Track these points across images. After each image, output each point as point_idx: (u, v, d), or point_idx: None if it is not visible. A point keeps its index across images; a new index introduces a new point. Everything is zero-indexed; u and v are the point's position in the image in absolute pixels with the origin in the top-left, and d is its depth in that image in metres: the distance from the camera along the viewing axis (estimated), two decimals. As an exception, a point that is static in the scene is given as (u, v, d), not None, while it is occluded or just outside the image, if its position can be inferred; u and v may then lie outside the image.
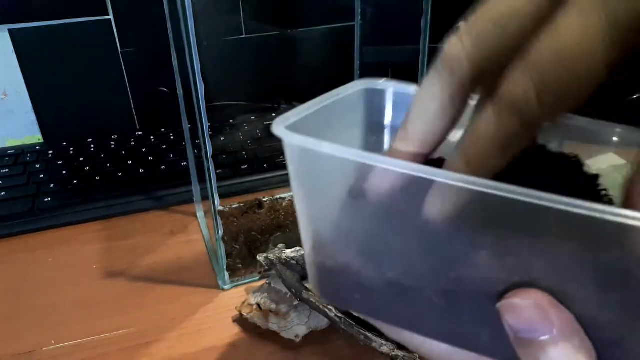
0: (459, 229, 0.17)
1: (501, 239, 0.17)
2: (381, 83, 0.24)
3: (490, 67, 0.17)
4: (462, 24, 0.17)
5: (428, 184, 0.17)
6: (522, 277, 0.17)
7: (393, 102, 0.24)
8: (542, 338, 0.17)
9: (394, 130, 0.25)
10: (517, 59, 0.16)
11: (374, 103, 0.24)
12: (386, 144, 0.25)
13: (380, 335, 0.37)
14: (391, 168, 0.17)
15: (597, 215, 0.14)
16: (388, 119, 0.25)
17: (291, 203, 0.53)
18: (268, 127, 0.67)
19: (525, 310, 0.17)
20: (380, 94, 0.24)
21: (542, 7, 0.16)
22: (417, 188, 0.17)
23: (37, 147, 0.64)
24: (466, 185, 0.16)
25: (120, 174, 0.59)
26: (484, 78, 0.17)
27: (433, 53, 0.20)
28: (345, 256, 0.21)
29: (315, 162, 0.20)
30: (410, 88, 0.24)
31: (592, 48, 0.15)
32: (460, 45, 0.17)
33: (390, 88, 0.24)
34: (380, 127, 0.25)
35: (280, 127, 0.19)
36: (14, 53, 0.63)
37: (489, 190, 0.15)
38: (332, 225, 0.21)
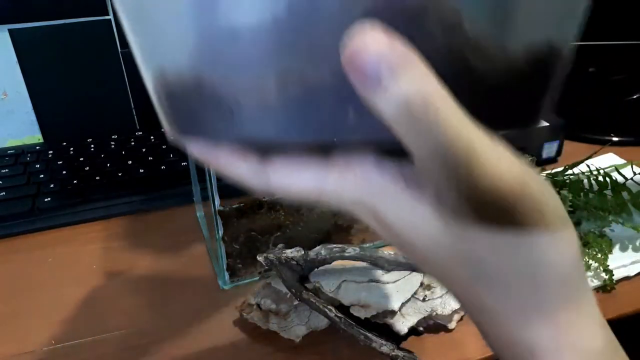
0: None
1: None
2: None
3: None
4: None
5: None
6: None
7: None
8: (388, 70, 0.16)
9: None
10: None
11: None
12: None
13: (380, 335, 0.37)
14: None
15: None
16: None
17: (291, 202, 0.53)
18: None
19: (369, 46, 0.16)
20: None
21: None
22: None
23: (37, 147, 0.64)
24: None
25: (120, 174, 0.59)
26: None
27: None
28: (196, 71, 0.19)
29: None
30: None
31: None
32: None
33: None
34: None
35: None
36: (14, 53, 0.63)
37: None
38: (176, 40, 0.19)
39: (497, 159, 0.17)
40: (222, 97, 0.19)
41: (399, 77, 0.16)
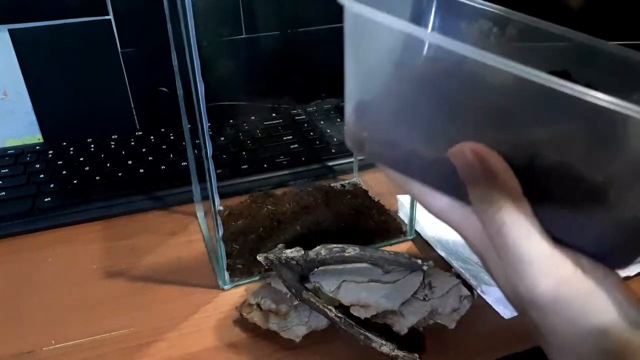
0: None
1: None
2: None
3: None
4: None
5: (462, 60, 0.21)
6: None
7: (437, 6, 0.30)
8: (479, 175, 0.22)
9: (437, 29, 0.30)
10: None
11: (422, 5, 0.30)
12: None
13: (380, 335, 0.37)
14: (435, 41, 0.21)
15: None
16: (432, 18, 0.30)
17: (291, 202, 0.53)
18: (268, 127, 0.67)
19: (466, 152, 0.22)
20: None
21: None
22: (452, 64, 0.22)
23: (37, 147, 0.64)
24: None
25: (120, 174, 0.59)
26: None
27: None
28: (380, 116, 0.26)
29: (368, 28, 0.24)
30: None
31: None
32: None
33: None
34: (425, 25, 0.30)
35: None
36: (14, 53, 0.63)
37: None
38: (374, 88, 0.26)
39: (538, 272, 0.22)
40: (390, 141, 0.26)
41: (488, 185, 0.22)
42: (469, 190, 0.24)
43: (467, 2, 0.28)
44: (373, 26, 0.23)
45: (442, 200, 0.27)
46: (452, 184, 0.24)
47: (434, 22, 0.30)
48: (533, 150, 0.22)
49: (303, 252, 0.39)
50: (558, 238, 0.23)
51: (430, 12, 0.29)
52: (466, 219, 0.26)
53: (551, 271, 0.22)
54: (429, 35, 0.23)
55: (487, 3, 0.28)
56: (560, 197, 0.22)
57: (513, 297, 0.25)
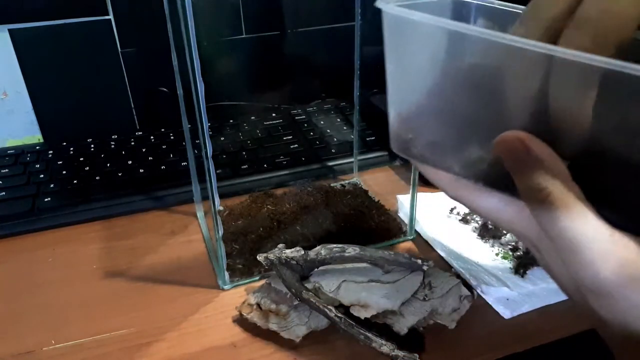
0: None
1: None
2: None
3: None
4: None
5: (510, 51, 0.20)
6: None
7: (475, 14, 0.29)
8: (524, 163, 0.22)
9: None
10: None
11: (461, 13, 0.29)
12: None
13: (380, 335, 0.37)
14: (489, 37, 0.21)
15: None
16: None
17: (291, 202, 0.53)
18: (268, 127, 0.67)
19: (509, 140, 0.22)
20: (467, 6, 0.29)
21: None
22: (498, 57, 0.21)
23: (37, 147, 0.64)
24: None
25: (120, 174, 0.59)
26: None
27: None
28: (425, 117, 0.26)
29: (407, 31, 0.24)
30: (495, 3, 0.28)
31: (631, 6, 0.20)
32: None
33: (475, 1, 0.29)
34: None
35: (380, 2, 0.24)
36: (14, 53, 0.63)
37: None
38: (418, 91, 0.25)
39: (600, 255, 0.21)
40: (436, 140, 0.27)
41: (535, 172, 0.22)
42: (516, 180, 0.23)
43: (505, 8, 0.28)
44: (415, 28, 0.23)
45: (491, 199, 0.26)
46: (503, 179, 0.24)
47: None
48: (588, 140, 0.21)
49: (303, 252, 0.39)
50: (617, 225, 0.22)
51: (469, 20, 0.29)
52: (518, 215, 0.26)
53: (614, 252, 0.21)
54: (477, 31, 0.22)
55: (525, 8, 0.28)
56: (619, 184, 0.21)
57: (574, 288, 0.24)
